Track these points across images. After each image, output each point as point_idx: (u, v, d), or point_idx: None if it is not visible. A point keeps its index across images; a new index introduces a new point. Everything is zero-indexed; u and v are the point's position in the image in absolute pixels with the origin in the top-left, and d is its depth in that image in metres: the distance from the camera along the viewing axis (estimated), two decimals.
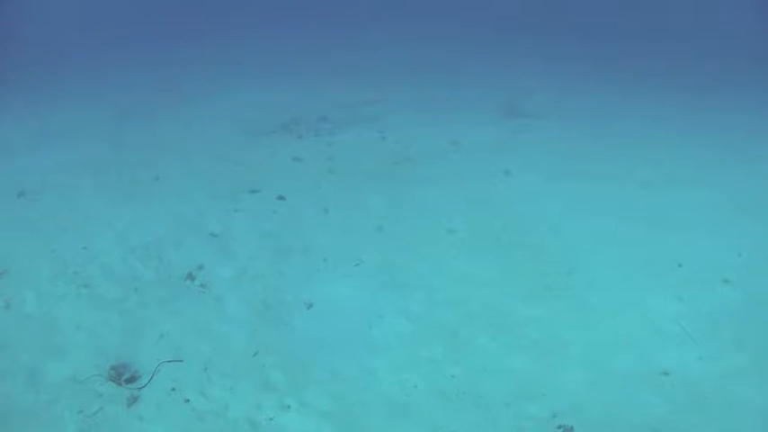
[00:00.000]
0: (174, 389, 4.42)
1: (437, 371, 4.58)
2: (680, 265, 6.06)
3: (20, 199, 7.71)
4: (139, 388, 4.43)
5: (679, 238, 6.61)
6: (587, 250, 6.32)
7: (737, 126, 10.81)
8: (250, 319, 5.15)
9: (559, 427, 4.08)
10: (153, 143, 9.70)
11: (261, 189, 7.80)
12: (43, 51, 18.55)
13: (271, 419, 4.14)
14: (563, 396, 4.37)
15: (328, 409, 4.22)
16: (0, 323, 5.14)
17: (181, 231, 6.71)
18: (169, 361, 4.66)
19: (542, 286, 5.69)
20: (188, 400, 4.31)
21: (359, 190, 7.72)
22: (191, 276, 5.78)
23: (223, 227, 6.81)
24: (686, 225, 6.92)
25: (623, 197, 7.60)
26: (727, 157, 9.15)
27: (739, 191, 7.82)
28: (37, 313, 5.27)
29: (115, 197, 7.64)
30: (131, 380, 4.50)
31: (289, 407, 4.24)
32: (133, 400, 4.32)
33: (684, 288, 5.68)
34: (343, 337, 4.93)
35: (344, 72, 14.67)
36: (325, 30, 21.28)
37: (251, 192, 7.72)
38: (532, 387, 4.46)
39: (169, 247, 6.37)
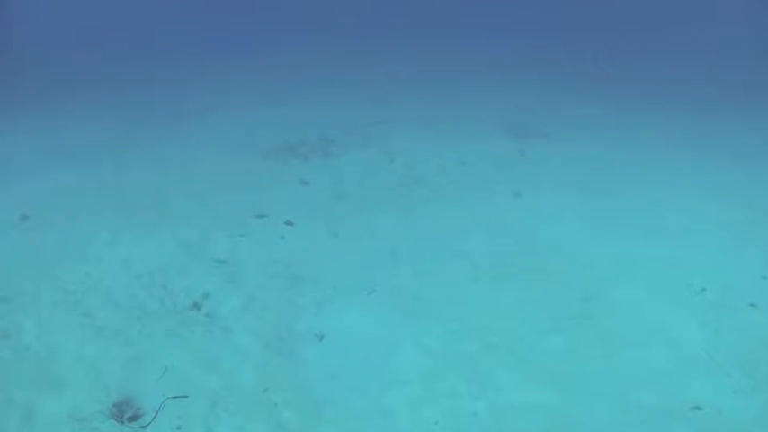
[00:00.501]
0: (179, 427, 4.14)
1: (458, 407, 4.30)
2: (703, 290, 5.81)
3: (23, 222, 7.46)
4: (143, 426, 4.14)
5: (699, 259, 6.39)
6: (605, 275, 6.07)
7: (745, 138, 10.67)
8: (260, 351, 4.86)
9: None
10: (155, 164, 9.47)
11: (267, 213, 7.56)
12: (40, 72, 18.37)
13: None
14: None
15: None
16: None
17: (186, 257, 6.45)
18: (174, 397, 4.38)
19: (562, 314, 5.42)
20: None
21: (368, 214, 7.48)
22: (196, 305, 5.51)
23: (229, 253, 6.54)
24: (705, 245, 6.70)
25: (638, 217, 7.38)
26: (739, 170, 8.98)
27: (755, 206, 7.62)
28: (36, 344, 5.00)
29: (118, 221, 7.38)
30: (134, 418, 4.22)
31: None
32: None
33: (710, 314, 5.44)
34: (358, 372, 4.65)
35: (349, 92, 14.49)
36: (328, 48, 21.16)
37: (257, 216, 7.48)
38: (558, 425, 4.18)
39: (174, 273, 6.11)
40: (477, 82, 15.74)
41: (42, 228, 7.29)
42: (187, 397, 4.38)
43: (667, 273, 6.10)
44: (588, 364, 4.77)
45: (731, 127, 11.47)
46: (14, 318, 5.33)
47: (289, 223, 7.30)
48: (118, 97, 14.52)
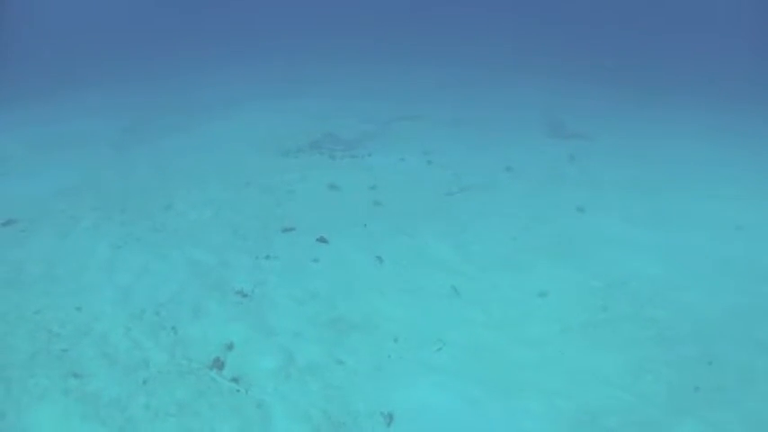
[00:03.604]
0: None
1: None
2: None
3: (6, 229, 5.93)
4: None
5: None
6: (718, 327, 4.63)
7: None
8: None
9: None
10: (164, 163, 7.91)
11: (295, 226, 6.06)
12: (45, 62, 16.58)
13: None
14: None
15: None
16: None
17: (200, 288, 4.94)
18: None
19: (686, 386, 3.98)
20: None
21: (415, 231, 5.99)
22: (218, 363, 4.01)
23: (254, 282, 5.04)
24: None
25: (724, 246, 5.93)
26: None
27: None
28: (1, 424, 3.47)
29: (120, 233, 5.86)
30: None
31: None
32: None
33: None
34: None
35: (377, 87, 12.87)
36: (354, 44, 19.51)
37: (284, 230, 5.98)
38: None
39: (186, 312, 4.60)
40: (506, 81, 14.22)
41: (29, 238, 5.75)
42: None
43: None
44: None
45: None
46: None
47: (322, 240, 5.81)
48: (130, 87, 12.83)
